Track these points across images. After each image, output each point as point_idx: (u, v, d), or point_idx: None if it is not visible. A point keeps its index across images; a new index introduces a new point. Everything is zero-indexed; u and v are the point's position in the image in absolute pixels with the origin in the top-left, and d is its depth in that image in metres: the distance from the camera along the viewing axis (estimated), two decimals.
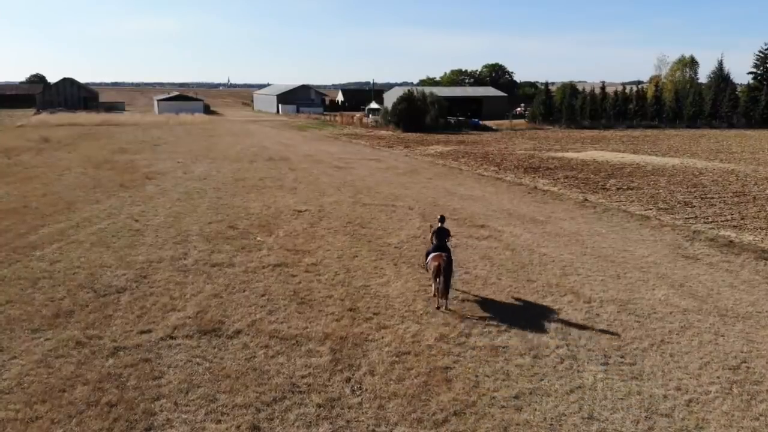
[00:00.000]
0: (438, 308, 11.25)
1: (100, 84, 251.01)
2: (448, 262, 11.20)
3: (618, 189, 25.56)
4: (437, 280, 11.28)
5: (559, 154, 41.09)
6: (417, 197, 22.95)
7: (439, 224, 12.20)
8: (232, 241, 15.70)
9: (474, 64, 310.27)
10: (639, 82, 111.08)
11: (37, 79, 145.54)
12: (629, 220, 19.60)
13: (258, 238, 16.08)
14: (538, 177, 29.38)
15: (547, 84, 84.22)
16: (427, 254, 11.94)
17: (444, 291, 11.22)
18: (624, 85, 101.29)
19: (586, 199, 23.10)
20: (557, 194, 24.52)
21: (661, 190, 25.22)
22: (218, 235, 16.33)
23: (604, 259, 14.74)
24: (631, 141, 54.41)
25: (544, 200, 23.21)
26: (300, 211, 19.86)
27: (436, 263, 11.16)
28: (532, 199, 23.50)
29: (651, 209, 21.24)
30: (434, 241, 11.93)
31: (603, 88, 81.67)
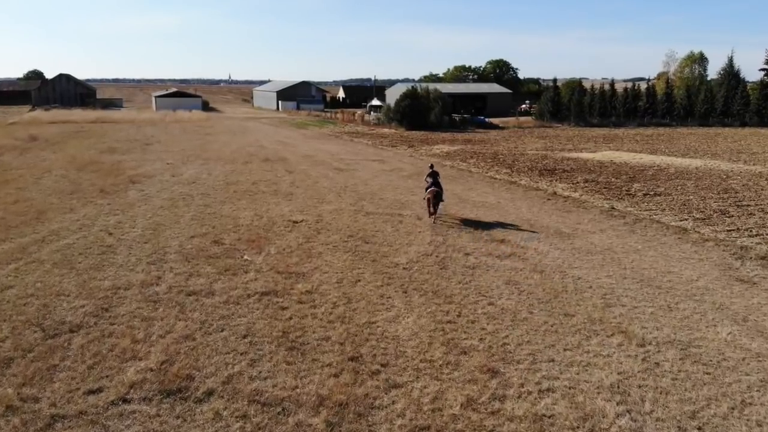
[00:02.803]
0: (433, 222, 17.43)
1: (101, 80, 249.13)
2: (438, 193, 17.45)
3: (645, 195, 23.37)
4: (431, 205, 17.51)
5: (574, 155, 38.89)
6: (425, 205, 20.77)
7: (430, 169, 18.73)
8: (214, 261, 13.58)
9: (477, 60, 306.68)
10: (643, 79, 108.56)
11: (34, 76, 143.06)
12: (665, 233, 17.43)
13: (245, 257, 13.95)
14: (556, 181, 27.19)
15: (555, 80, 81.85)
16: (426, 189, 17.86)
17: (434, 212, 17.67)
18: (630, 81, 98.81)
19: (612, 207, 20.89)
20: (580, 201, 22.33)
21: (691, 197, 23.04)
22: (200, 253, 14.22)
23: (648, 284, 12.61)
24: (645, 140, 52.19)
25: (567, 208, 21.03)
26: (295, 222, 17.73)
27: (431, 195, 17.38)
28: (553, 206, 21.33)
29: (686, 219, 19.07)
30: (428, 180, 18.07)
31: (612, 84, 79.33)
